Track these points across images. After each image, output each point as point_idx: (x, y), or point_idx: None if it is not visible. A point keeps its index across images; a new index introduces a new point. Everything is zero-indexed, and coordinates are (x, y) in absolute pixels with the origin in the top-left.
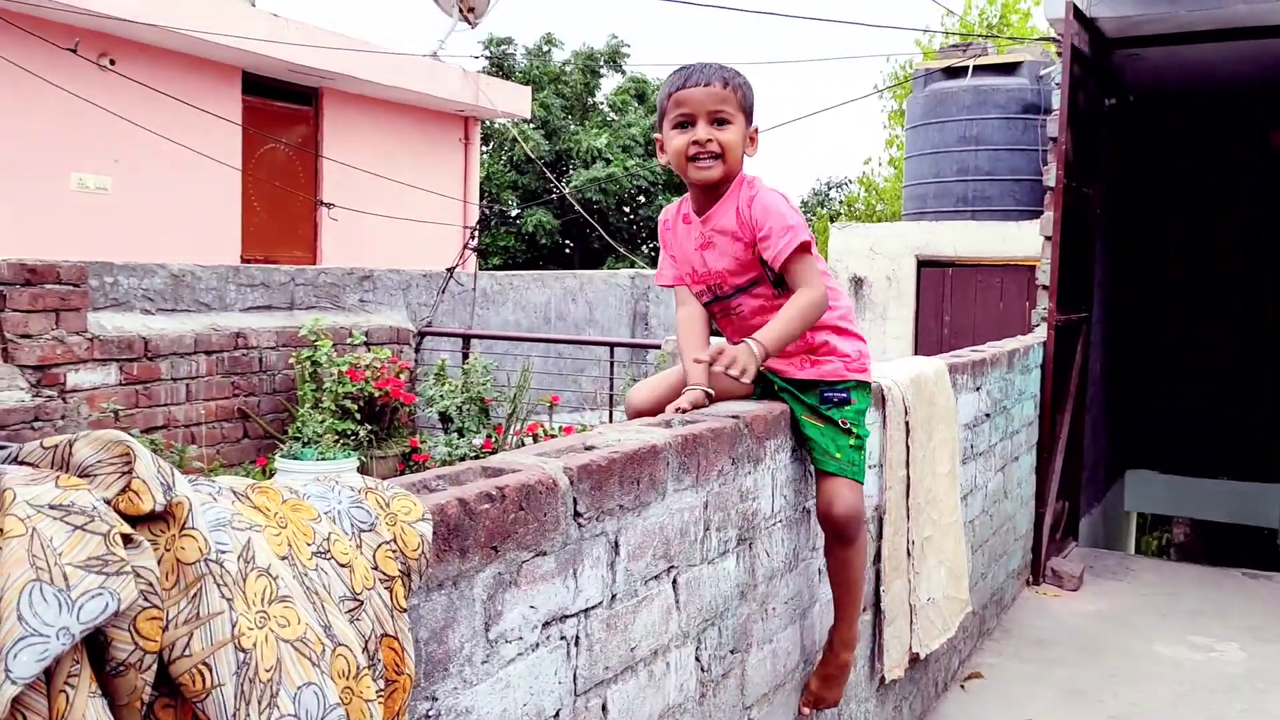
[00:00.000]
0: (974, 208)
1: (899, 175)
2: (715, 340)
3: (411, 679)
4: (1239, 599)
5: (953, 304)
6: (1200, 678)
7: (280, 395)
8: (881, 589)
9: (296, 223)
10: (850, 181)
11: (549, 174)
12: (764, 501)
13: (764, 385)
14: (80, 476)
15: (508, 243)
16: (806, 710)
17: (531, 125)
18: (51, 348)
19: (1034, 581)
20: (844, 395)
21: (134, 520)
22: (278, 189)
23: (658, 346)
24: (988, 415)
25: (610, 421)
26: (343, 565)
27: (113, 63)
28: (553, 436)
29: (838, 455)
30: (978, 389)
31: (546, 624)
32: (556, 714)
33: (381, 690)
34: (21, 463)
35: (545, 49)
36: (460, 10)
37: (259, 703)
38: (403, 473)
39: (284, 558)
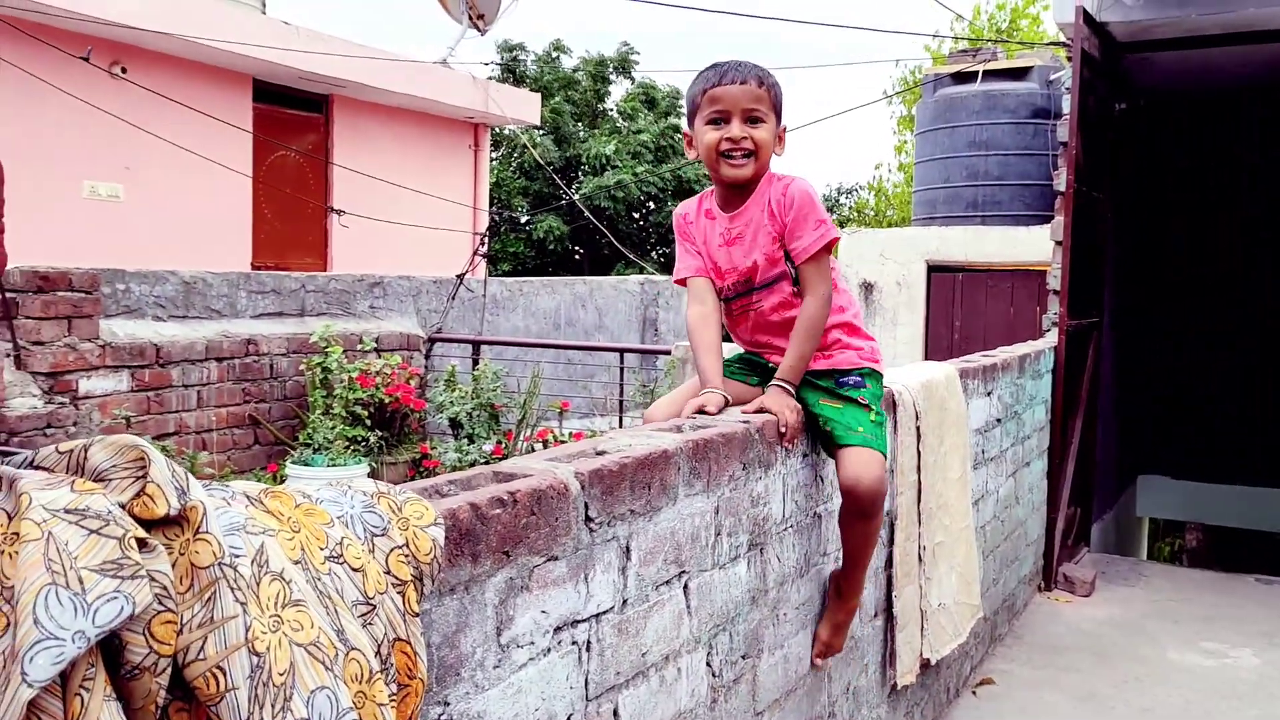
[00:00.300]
0: (984, 212)
1: (909, 181)
2: (734, 348)
3: (424, 683)
4: (1252, 605)
5: (963, 309)
6: (1213, 684)
7: (291, 402)
8: (893, 594)
9: (307, 229)
10: (860, 188)
11: (559, 180)
12: (775, 506)
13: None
14: (95, 481)
15: (518, 249)
16: (820, 662)
17: (542, 132)
18: (64, 354)
19: (1046, 587)
20: (859, 380)
21: (149, 524)
22: (288, 196)
23: (667, 352)
24: (999, 420)
25: (620, 427)
26: (355, 570)
27: (124, 71)
28: (563, 442)
29: (860, 429)
30: (989, 394)
31: (558, 629)
32: (568, 719)
33: (394, 695)
34: (38, 467)
35: (554, 55)
36: (470, 17)
37: (273, 706)
38: (413, 479)
39: (297, 562)
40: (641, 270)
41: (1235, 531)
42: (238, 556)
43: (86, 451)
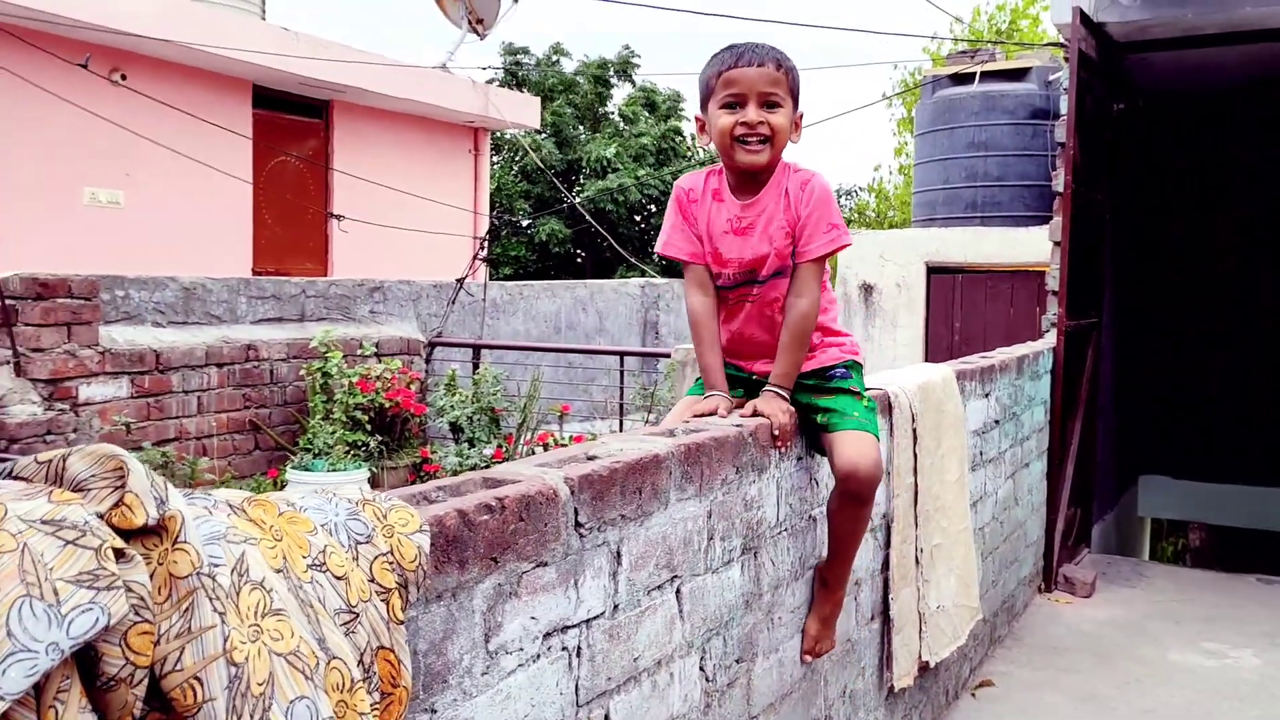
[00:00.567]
0: (983, 213)
1: (909, 182)
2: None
3: (408, 691)
4: (1253, 605)
5: (963, 310)
6: (1214, 685)
7: (291, 407)
8: (890, 597)
9: (308, 235)
10: (860, 189)
11: (559, 184)
12: (769, 510)
13: (751, 387)
14: (74, 491)
15: (519, 252)
16: (809, 659)
17: (544, 135)
18: (63, 361)
19: (1046, 588)
20: (845, 372)
21: (127, 534)
22: (289, 201)
23: (668, 355)
24: (997, 422)
25: (620, 430)
26: (338, 578)
27: (124, 78)
28: (563, 446)
29: (855, 414)
30: (987, 395)
31: (547, 635)
32: None
33: (377, 703)
34: (16, 478)
35: (554, 59)
36: (469, 22)
37: (251, 717)
38: (413, 483)
39: (279, 571)
40: (643, 273)
41: (1238, 531)
42: (217, 566)
43: (65, 461)
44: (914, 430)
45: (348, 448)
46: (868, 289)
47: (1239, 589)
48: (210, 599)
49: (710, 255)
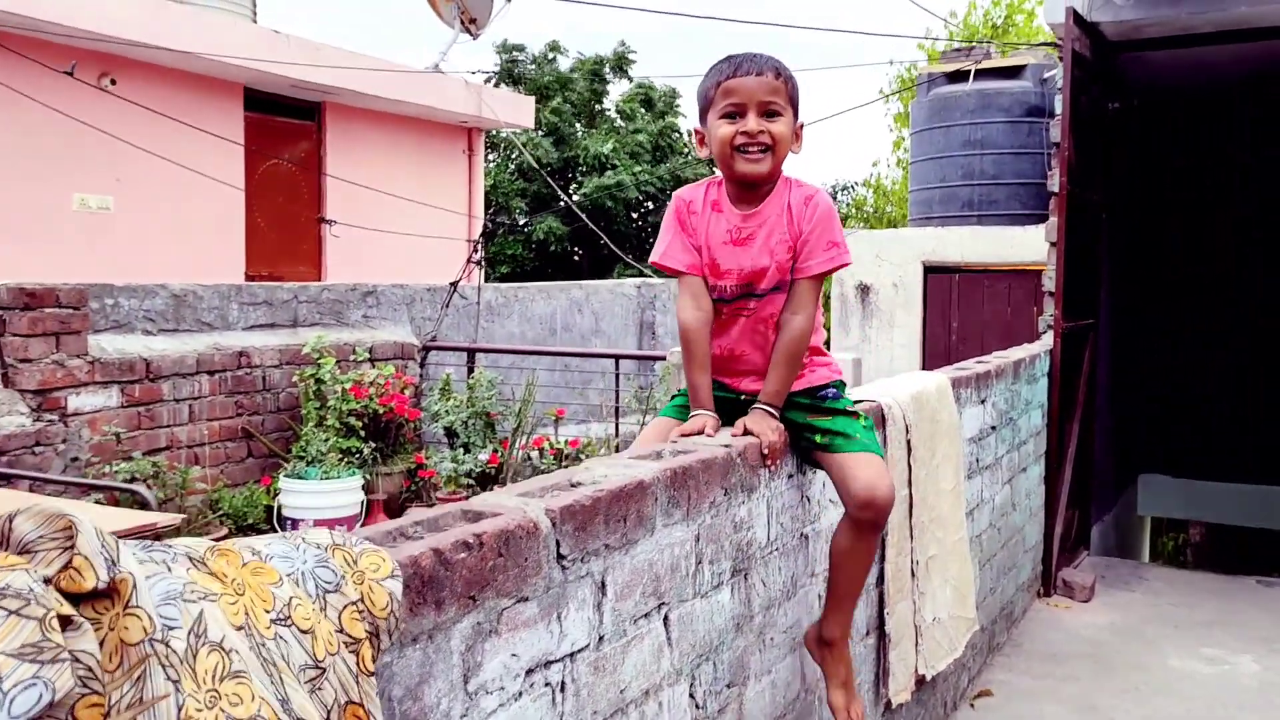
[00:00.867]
0: (980, 212)
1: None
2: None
3: None
4: (1253, 609)
5: (960, 310)
6: (1214, 692)
7: (284, 414)
8: (885, 611)
9: (300, 239)
10: (857, 185)
11: (554, 183)
12: (759, 530)
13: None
14: (20, 553)
15: (516, 251)
16: None
17: (540, 133)
18: (52, 371)
19: (1045, 593)
20: (835, 392)
21: (76, 598)
22: (281, 205)
23: (663, 358)
24: (993, 428)
25: (617, 433)
26: (304, 631)
27: (114, 82)
28: (559, 450)
29: (858, 436)
30: (983, 402)
31: (529, 671)
32: None
33: None
34: None
35: (551, 57)
36: (462, 22)
37: None
38: (409, 489)
39: (240, 628)
40: (639, 273)
41: (1238, 527)
42: (172, 629)
43: (11, 522)
44: (908, 441)
45: (341, 454)
46: (864, 289)
47: (1238, 592)
48: (164, 666)
49: (708, 266)
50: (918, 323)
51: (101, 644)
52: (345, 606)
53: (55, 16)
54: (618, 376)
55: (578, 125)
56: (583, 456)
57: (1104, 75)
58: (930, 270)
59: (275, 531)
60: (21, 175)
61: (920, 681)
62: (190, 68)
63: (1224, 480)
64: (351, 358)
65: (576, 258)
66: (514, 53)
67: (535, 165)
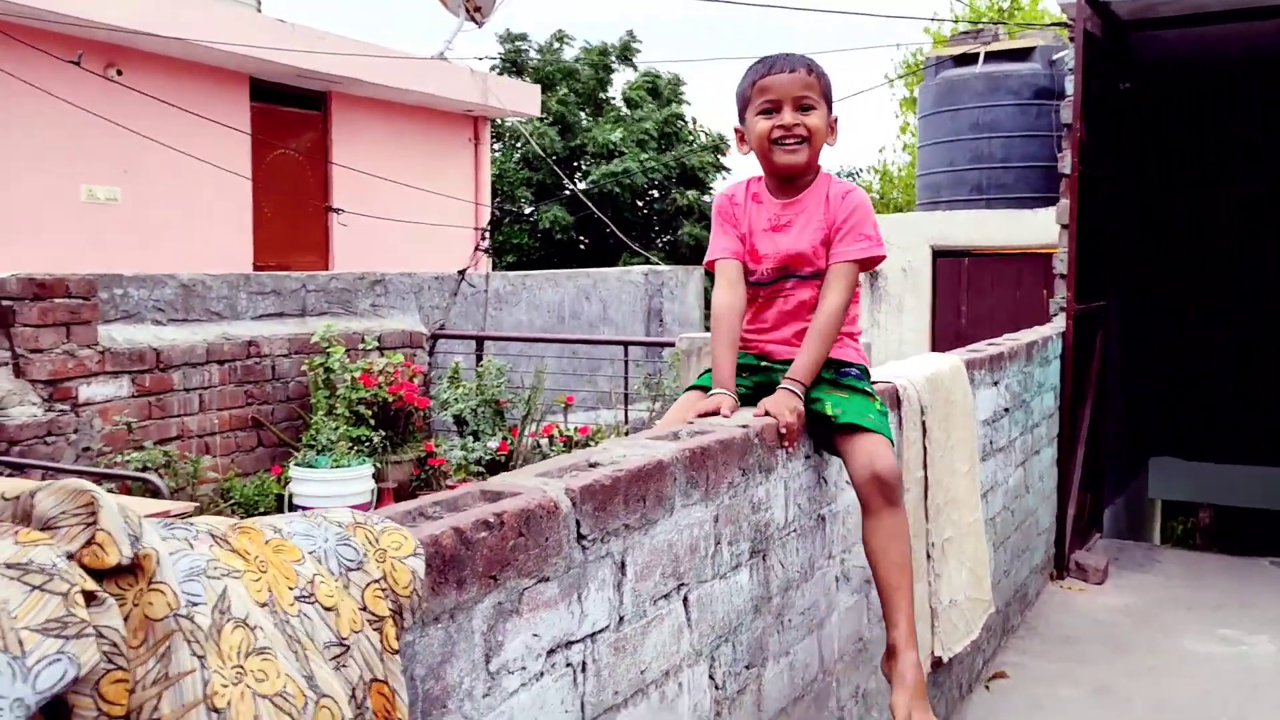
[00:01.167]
0: (989, 195)
1: (914, 162)
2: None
3: None
4: (1267, 590)
5: (970, 294)
6: (1230, 673)
7: (294, 403)
8: None
9: (308, 228)
10: (864, 170)
11: (560, 171)
12: (777, 511)
13: (765, 380)
14: (43, 530)
15: (522, 239)
16: None
17: (546, 121)
18: (63, 361)
19: (1058, 576)
20: (859, 373)
21: (99, 574)
22: (288, 195)
23: (672, 344)
24: (1007, 410)
25: (626, 420)
26: (328, 609)
27: (120, 73)
28: (568, 437)
29: (870, 417)
30: (996, 384)
31: (551, 651)
32: None
33: None
34: None
35: (556, 45)
36: (467, 9)
37: None
38: (419, 477)
39: (264, 604)
40: (647, 260)
41: (1249, 510)
42: (196, 605)
43: (33, 498)
44: (923, 423)
45: (351, 443)
46: (873, 274)
47: (1252, 573)
48: (189, 641)
49: (748, 253)
50: (927, 307)
51: (126, 620)
52: (368, 584)
53: (61, 7)
54: (626, 363)
55: (583, 114)
56: (592, 444)
57: (1115, 55)
58: (939, 254)
59: None
60: (29, 167)
61: (937, 664)
62: (196, 58)
63: (1234, 462)
64: (360, 346)
65: (583, 246)
66: (517, 42)
67: (541, 153)
